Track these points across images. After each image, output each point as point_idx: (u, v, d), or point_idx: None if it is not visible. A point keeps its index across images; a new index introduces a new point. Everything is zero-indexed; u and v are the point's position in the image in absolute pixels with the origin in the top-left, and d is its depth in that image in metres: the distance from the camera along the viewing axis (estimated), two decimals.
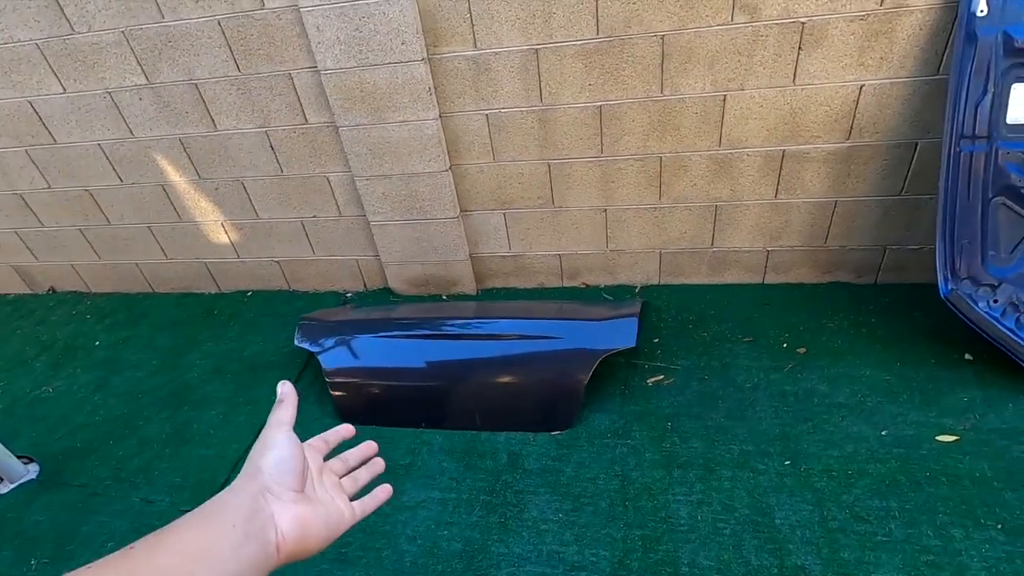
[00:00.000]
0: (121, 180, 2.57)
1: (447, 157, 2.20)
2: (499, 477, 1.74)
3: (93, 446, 2.09)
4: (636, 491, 1.63)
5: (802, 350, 1.99)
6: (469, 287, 2.56)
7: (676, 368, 2.01)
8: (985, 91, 1.60)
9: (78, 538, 1.76)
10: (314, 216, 2.53)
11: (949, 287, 1.71)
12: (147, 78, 2.24)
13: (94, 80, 2.28)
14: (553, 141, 2.11)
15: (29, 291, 3.17)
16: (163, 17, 2.08)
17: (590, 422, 1.86)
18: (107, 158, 2.51)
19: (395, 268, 2.57)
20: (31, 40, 2.22)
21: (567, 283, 2.52)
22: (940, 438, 1.63)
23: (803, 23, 1.74)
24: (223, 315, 2.75)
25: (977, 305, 1.69)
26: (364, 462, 0.70)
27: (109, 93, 2.31)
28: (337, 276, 2.72)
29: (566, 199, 2.26)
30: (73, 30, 2.16)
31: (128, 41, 2.16)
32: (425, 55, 1.97)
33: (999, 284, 1.68)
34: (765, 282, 2.33)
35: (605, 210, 2.26)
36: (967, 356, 1.85)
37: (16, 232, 2.91)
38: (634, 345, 1.83)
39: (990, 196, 1.65)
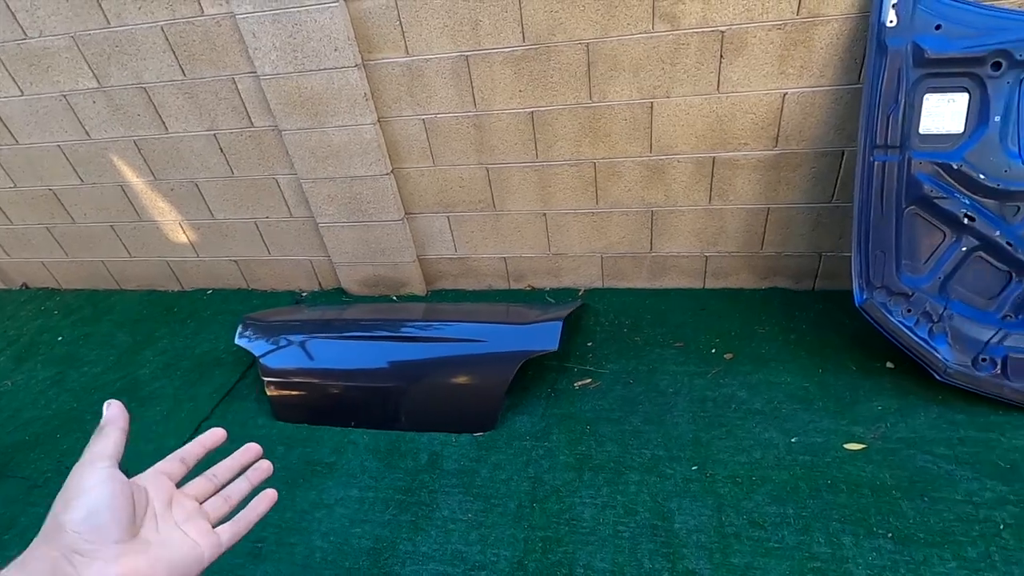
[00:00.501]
0: (82, 180, 2.64)
1: (388, 161, 2.23)
2: (416, 476, 1.77)
3: (40, 439, 2.16)
4: (545, 493, 1.66)
5: (729, 356, 2.00)
6: (419, 288, 2.59)
7: (604, 372, 2.03)
8: (897, 101, 1.60)
9: (15, 528, 1.82)
10: (267, 217, 2.58)
11: (864, 296, 1.72)
12: (98, 82, 2.29)
13: (49, 83, 2.35)
14: (490, 146, 2.14)
15: (3, 287, 3.26)
16: (109, 23, 2.13)
17: (512, 424, 1.89)
18: (67, 159, 2.58)
19: (346, 269, 2.61)
20: None
21: (513, 285, 2.55)
22: (848, 446, 1.64)
23: (723, 32, 1.75)
24: (182, 313, 2.81)
25: (891, 315, 1.69)
26: (244, 470, 0.60)
27: (64, 96, 2.37)
28: (292, 276, 2.77)
29: (506, 203, 2.28)
30: (25, 35, 2.22)
31: (78, 46, 2.21)
32: (359, 61, 2.00)
33: (913, 294, 1.68)
34: (705, 287, 2.35)
35: (544, 214, 2.28)
36: (888, 364, 1.86)
37: None
38: (556, 348, 1.86)
39: (903, 206, 1.66)
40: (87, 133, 2.47)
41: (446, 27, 1.91)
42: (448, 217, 2.39)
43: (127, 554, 0.44)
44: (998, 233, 1.60)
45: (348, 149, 2.20)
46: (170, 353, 2.53)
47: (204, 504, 0.54)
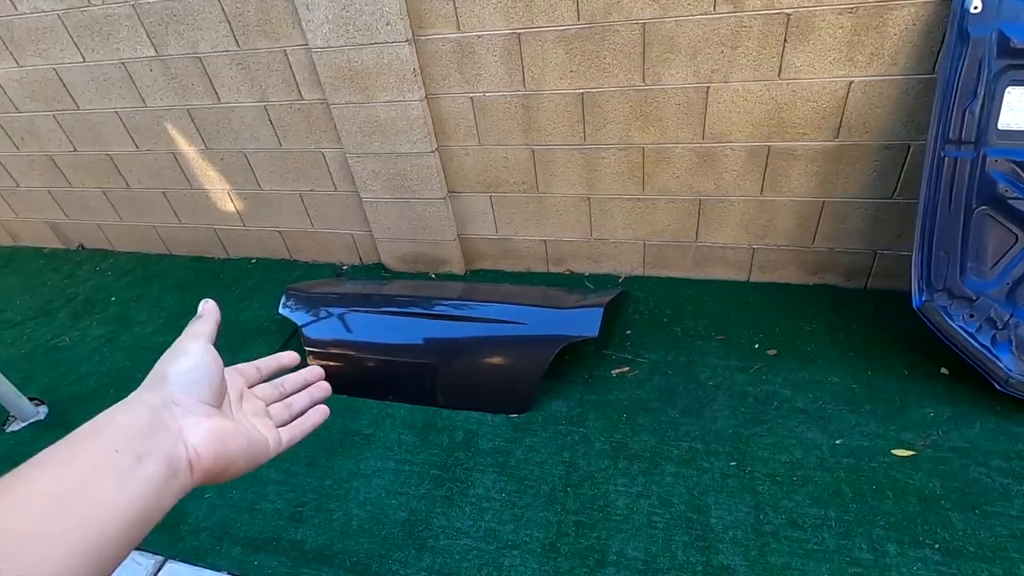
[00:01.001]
0: (137, 147, 2.72)
1: (433, 138, 2.23)
2: (452, 453, 1.80)
3: (96, 394, 2.27)
4: (580, 478, 1.66)
5: (773, 352, 1.96)
6: (458, 267, 2.60)
7: (643, 361, 2.01)
8: (975, 93, 1.51)
9: None
10: (311, 190, 2.61)
11: (923, 298, 1.64)
12: (156, 50, 2.34)
13: (109, 51, 2.40)
14: (537, 127, 2.11)
15: (62, 246, 3.41)
16: None
17: (548, 407, 1.89)
18: (124, 125, 2.65)
19: (387, 244, 2.63)
20: (52, 11, 2.35)
21: (552, 269, 2.53)
22: (896, 452, 1.59)
23: (789, 15, 1.67)
24: (228, 280, 2.89)
25: (951, 319, 1.62)
26: (306, 387, 0.63)
27: (123, 63, 2.43)
28: (334, 249, 2.81)
29: (550, 185, 2.26)
30: (88, 2, 2.28)
31: (138, 14, 2.26)
32: (410, 36, 1.99)
33: (977, 298, 1.61)
34: (750, 280, 2.29)
35: (589, 198, 2.25)
36: (943, 370, 1.79)
37: (49, 191, 3.11)
38: (596, 335, 1.84)
39: (974, 205, 1.57)
40: (143, 101, 2.53)
41: (499, 3, 1.87)
42: (491, 197, 2.37)
43: (214, 415, 0.48)
44: None
45: (395, 125, 2.20)
46: None
47: (269, 407, 0.58)
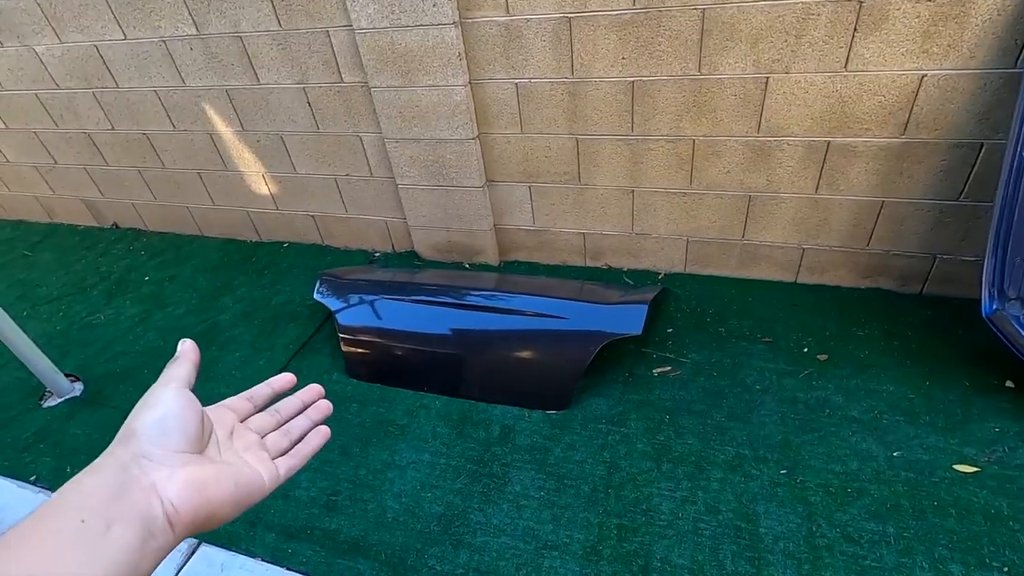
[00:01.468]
0: (174, 126, 2.70)
1: (475, 125, 2.17)
2: (489, 448, 1.76)
3: (130, 373, 2.27)
4: (621, 479, 1.61)
5: (823, 357, 1.88)
6: (492, 258, 2.55)
7: (685, 361, 1.94)
8: None
9: None
10: (347, 174, 2.58)
11: (994, 306, 1.56)
12: (197, 28, 2.31)
13: (150, 28, 2.38)
14: (582, 116, 2.04)
15: (96, 224, 3.43)
16: None
17: (587, 405, 1.84)
18: (162, 104, 2.64)
19: (421, 232, 2.59)
20: None
21: (590, 263, 2.47)
22: (958, 467, 1.51)
23: (861, 2, 1.58)
24: (260, 263, 2.88)
25: None
26: (306, 408, 0.60)
27: (164, 41, 2.41)
28: (367, 235, 2.78)
29: (593, 177, 2.19)
30: None
31: None
32: (456, 19, 1.93)
33: None
34: (798, 281, 2.20)
35: (632, 191, 2.18)
36: (1008, 383, 1.70)
37: (85, 168, 3.13)
38: (639, 333, 1.78)
39: None
40: (182, 80, 2.51)
41: None
42: (530, 187, 2.32)
43: (192, 464, 0.45)
44: None
45: (436, 110, 2.15)
46: (247, 301, 2.60)
47: (265, 438, 0.55)
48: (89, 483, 0.41)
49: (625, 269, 2.42)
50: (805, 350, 1.92)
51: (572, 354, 1.82)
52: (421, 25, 1.96)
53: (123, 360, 2.34)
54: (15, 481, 1.87)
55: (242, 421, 0.55)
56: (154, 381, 0.49)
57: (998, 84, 1.60)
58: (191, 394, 0.49)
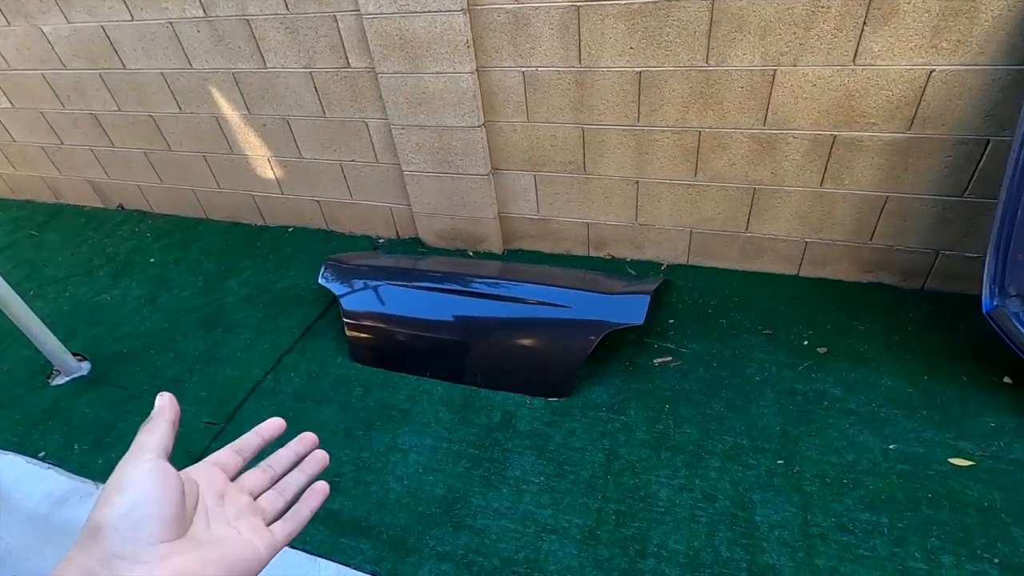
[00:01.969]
0: (180, 109, 2.71)
1: (481, 113, 2.17)
2: (490, 433, 1.78)
3: (136, 353, 2.29)
4: (620, 467, 1.64)
5: (823, 350, 1.89)
6: (496, 246, 2.56)
7: (685, 352, 1.96)
8: None
9: (114, 433, 1.96)
10: (352, 160, 2.58)
11: (994, 303, 1.57)
12: (204, 11, 2.31)
13: (158, 9, 2.38)
14: (589, 105, 2.04)
15: (101, 205, 3.44)
16: None
17: (588, 393, 1.86)
18: (168, 87, 2.64)
19: (425, 219, 2.60)
20: None
21: (593, 253, 2.48)
22: (953, 461, 1.53)
23: None
24: (264, 247, 2.89)
25: (1023, 326, 1.54)
26: (300, 460, 0.56)
27: (171, 23, 2.40)
28: (371, 221, 2.79)
29: (598, 166, 2.20)
30: None
31: None
32: (464, 5, 1.92)
33: None
34: (800, 275, 2.21)
35: (637, 182, 2.18)
36: (1006, 379, 1.71)
37: (91, 150, 3.13)
38: (642, 323, 1.80)
39: None
40: (189, 62, 2.51)
41: None
42: (535, 176, 2.32)
43: (175, 554, 0.39)
44: None
45: (443, 97, 2.15)
46: (253, 285, 2.61)
47: (259, 499, 0.50)
48: None
49: (628, 259, 2.43)
50: (805, 343, 1.94)
51: (574, 342, 1.84)
52: (429, 11, 1.95)
53: (129, 340, 2.37)
54: (24, 457, 1.90)
55: (233, 478, 0.50)
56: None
57: (1006, 81, 1.60)
58: (168, 466, 0.43)
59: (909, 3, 1.56)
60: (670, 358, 1.94)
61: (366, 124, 2.43)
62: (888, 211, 1.94)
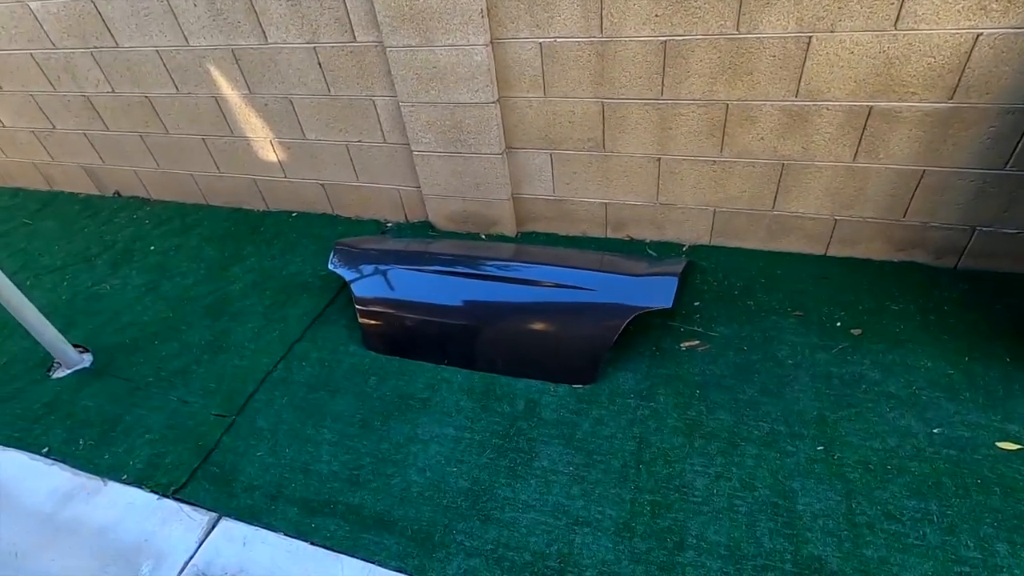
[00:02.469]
0: (177, 89, 2.59)
1: (495, 88, 2.07)
2: (514, 422, 1.71)
3: (140, 344, 2.21)
4: (652, 455, 1.57)
5: (857, 331, 1.82)
6: (509, 228, 2.48)
7: (714, 335, 1.89)
8: None
9: (120, 426, 1.88)
10: (359, 140, 2.48)
11: None
12: None
13: None
14: (610, 78, 1.94)
15: (97, 192, 3.33)
16: None
17: (614, 379, 1.79)
18: (164, 65, 2.52)
19: (435, 201, 2.51)
20: None
21: (611, 234, 2.39)
22: (1001, 444, 1.47)
23: None
24: (268, 233, 2.79)
25: None
26: None
27: None
28: (378, 204, 2.70)
29: (618, 144, 2.10)
30: None
31: None
32: None
33: None
34: (828, 254, 2.14)
35: (659, 159, 2.09)
36: None
37: (84, 133, 3.02)
38: (670, 306, 1.72)
39: None
40: (186, 39, 2.39)
41: None
42: (551, 155, 2.23)
43: None
44: None
45: (455, 72, 2.05)
46: (257, 272, 2.52)
47: None
48: None
49: (648, 240, 2.35)
50: (838, 324, 1.87)
51: (599, 327, 1.76)
52: None
53: (132, 331, 2.28)
54: (27, 453, 1.83)
55: None
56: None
57: None
58: None
59: None
60: (698, 342, 1.87)
61: (373, 102, 2.32)
62: (924, 186, 1.86)
